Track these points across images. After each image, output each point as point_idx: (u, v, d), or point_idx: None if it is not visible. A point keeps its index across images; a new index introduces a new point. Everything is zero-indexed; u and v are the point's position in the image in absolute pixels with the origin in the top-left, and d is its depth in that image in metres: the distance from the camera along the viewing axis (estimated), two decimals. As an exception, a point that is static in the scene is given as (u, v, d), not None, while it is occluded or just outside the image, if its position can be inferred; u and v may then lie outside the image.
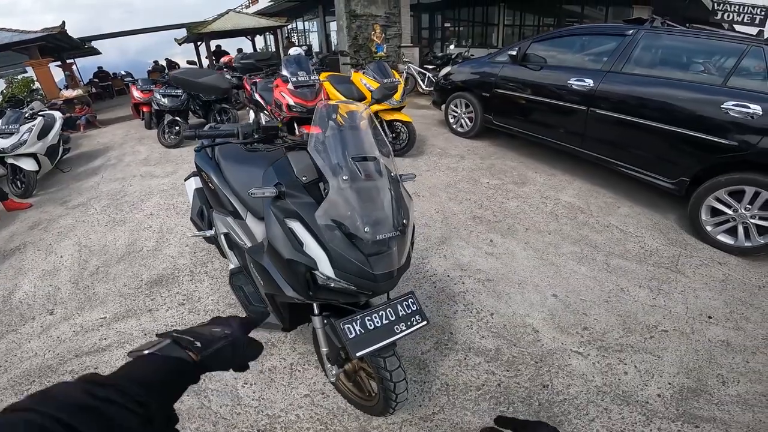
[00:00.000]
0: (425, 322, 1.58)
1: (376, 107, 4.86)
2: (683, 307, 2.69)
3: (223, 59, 11.79)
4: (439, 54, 10.55)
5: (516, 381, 2.17)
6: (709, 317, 2.61)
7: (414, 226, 1.69)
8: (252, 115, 5.92)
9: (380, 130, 1.63)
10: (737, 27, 9.63)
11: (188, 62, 10.69)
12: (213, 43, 14.57)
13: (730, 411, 2.01)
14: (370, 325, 1.48)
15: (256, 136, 1.71)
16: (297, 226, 1.42)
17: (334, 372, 1.77)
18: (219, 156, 2.26)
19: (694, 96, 3.42)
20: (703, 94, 3.39)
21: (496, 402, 2.06)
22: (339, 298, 1.51)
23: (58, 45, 12.50)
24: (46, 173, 5.68)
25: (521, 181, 4.61)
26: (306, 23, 22.95)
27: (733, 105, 3.14)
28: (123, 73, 10.69)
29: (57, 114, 6.36)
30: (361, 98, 5.10)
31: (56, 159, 5.84)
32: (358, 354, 1.42)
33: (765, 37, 3.73)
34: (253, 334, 0.80)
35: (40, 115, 5.72)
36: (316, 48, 20.53)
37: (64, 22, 11.15)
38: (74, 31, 13.33)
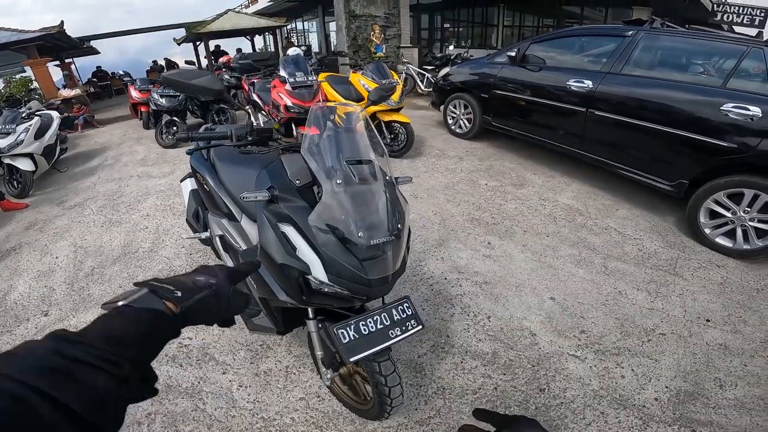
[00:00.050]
0: (420, 327, 1.57)
1: (374, 108, 4.85)
2: (681, 310, 2.68)
3: (222, 59, 11.81)
4: (439, 55, 10.54)
5: (513, 384, 2.16)
6: (707, 320, 2.60)
7: (410, 230, 1.67)
8: (250, 114, 5.92)
9: (375, 132, 1.61)
10: (737, 28, 9.64)
11: (186, 62, 10.70)
12: (212, 43, 14.55)
13: (728, 415, 2.00)
14: (365, 330, 1.46)
15: (249, 138, 1.69)
16: (290, 231, 1.41)
17: (329, 376, 1.76)
18: (214, 157, 2.25)
19: (694, 98, 3.41)
20: (702, 95, 3.38)
21: (493, 406, 2.04)
22: (333, 302, 1.49)
23: (57, 44, 12.49)
24: (43, 173, 5.65)
25: (520, 183, 4.60)
26: (305, 23, 22.93)
27: (732, 107, 3.12)
28: (121, 72, 10.71)
29: (54, 114, 6.34)
30: (359, 99, 5.08)
31: (53, 159, 5.82)
32: (351, 359, 1.40)
33: (765, 39, 3.71)
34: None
35: (37, 115, 5.70)
36: (315, 48, 20.51)
37: (62, 22, 11.14)
38: (74, 31, 13.33)
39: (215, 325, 0.73)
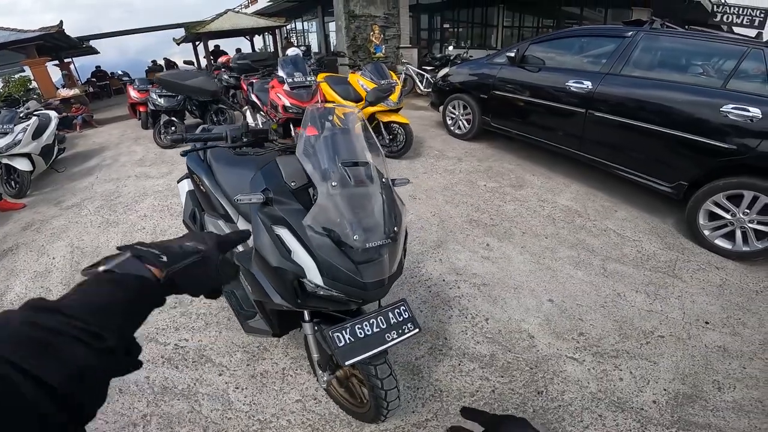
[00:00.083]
0: (417, 330, 1.55)
1: (373, 108, 4.84)
2: (680, 313, 2.67)
3: (221, 59, 11.79)
4: (438, 55, 10.52)
5: (510, 387, 2.15)
6: (706, 322, 2.59)
7: (407, 233, 1.66)
8: (248, 115, 5.90)
9: (372, 133, 1.60)
10: (736, 29, 9.64)
11: (185, 62, 10.69)
12: (211, 43, 14.54)
13: (726, 417, 2.00)
14: (360, 333, 1.45)
15: (245, 139, 1.67)
16: (285, 233, 1.39)
17: (325, 378, 1.75)
18: (211, 158, 2.23)
19: (693, 99, 3.40)
20: (702, 96, 3.37)
21: (490, 409, 2.03)
22: (328, 306, 1.48)
23: (56, 44, 12.48)
24: (41, 173, 5.64)
25: (519, 184, 4.59)
26: (305, 23, 22.90)
27: (732, 108, 3.11)
28: (120, 72, 10.69)
29: (52, 113, 6.32)
30: (358, 99, 5.07)
31: (51, 159, 5.81)
32: (347, 362, 1.39)
33: (765, 39, 3.70)
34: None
35: (35, 115, 5.69)
36: (315, 48, 20.50)
37: (61, 22, 11.13)
38: (74, 31, 13.33)
39: (201, 297, 0.70)
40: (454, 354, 2.34)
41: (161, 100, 6.83)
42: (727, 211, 3.22)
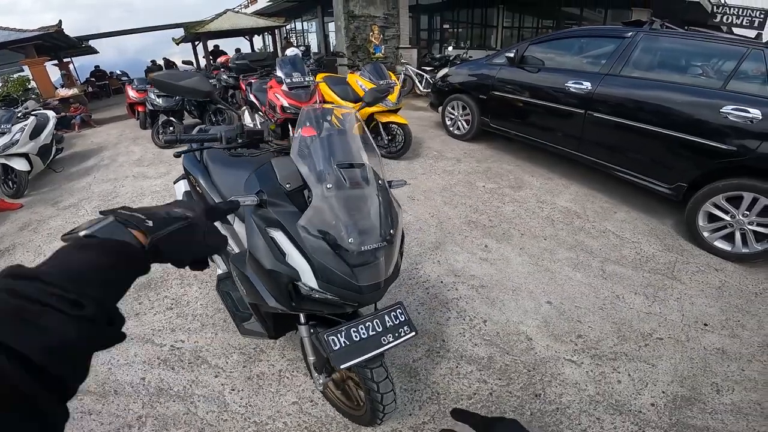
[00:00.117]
0: (414, 333, 1.54)
1: (371, 109, 4.83)
2: (679, 315, 2.66)
3: (220, 59, 11.76)
4: (437, 55, 10.52)
5: (508, 390, 2.13)
6: (705, 325, 2.58)
7: (403, 235, 1.65)
8: (247, 115, 5.89)
9: (368, 134, 1.58)
10: (736, 30, 9.64)
11: (184, 62, 10.66)
12: (211, 43, 14.53)
13: (724, 420, 1.99)
14: (356, 337, 1.43)
15: (240, 140, 1.66)
16: (279, 236, 1.38)
17: (321, 381, 1.73)
18: (207, 159, 2.22)
19: (693, 100, 3.39)
20: (701, 97, 3.36)
21: (488, 411, 2.02)
22: (323, 309, 1.46)
23: (55, 44, 12.47)
24: (38, 173, 5.62)
25: (517, 185, 4.58)
26: (305, 23, 22.88)
27: (732, 109, 3.10)
28: (119, 72, 10.68)
29: (50, 113, 6.30)
30: (356, 100, 5.06)
31: (48, 159, 5.78)
32: (342, 366, 1.38)
33: (765, 40, 3.69)
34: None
35: (32, 115, 5.67)
36: (314, 49, 20.48)
37: (60, 21, 11.12)
38: (74, 30, 13.33)
39: (187, 268, 0.67)
40: (451, 356, 2.33)
41: (159, 100, 6.82)
42: (726, 212, 3.21)
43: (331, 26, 16.44)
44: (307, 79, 4.58)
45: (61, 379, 0.39)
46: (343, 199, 1.36)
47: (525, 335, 2.48)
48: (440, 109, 6.43)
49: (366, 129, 1.61)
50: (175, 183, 2.89)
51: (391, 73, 5.53)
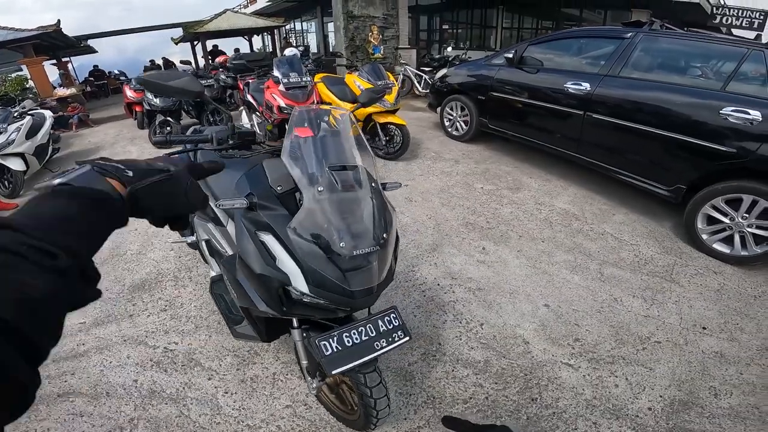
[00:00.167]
0: (407, 338, 1.52)
1: (369, 109, 4.81)
2: (677, 318, 2.64)
3: (219, 59, 11.73)
4: (437, 56, 10.50)
5: (504, 394, 2.11)
6: (703, 328, 2.56)
7: (398, 239, 1.62)
8: (244, 115, 5.87)
9: (362, 135, 1.56)
10: (735, 31, 9.64)
11: (181, 62, 10.64)
12: (210, 43, 14.51)
13: (722, 424, 1.97)
14: (348, 342, 1.41)
15: (231, 141, 1.63)
16: (269, 240, 1.35)
17: (314, 385, 1.71)
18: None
19: (693, 101, 3.37)
20: (701, 99, 3.33)
21: (484, 416, 1.99)
22: (315, 313, 1.44)
23: (53, 43, 12.45)
24: (34, 173, 5.58)
25: (516, 187, 4.56)
26: (304, 24, 22.86)
27: (732, 110, 3.08)
28: (116, 72, 10.65)
29: (47, 113, 6.28)
30: (354, 100, 5.04)
31: (45, 159, 5.76)
32: (333, 372, 1.35)
33: (765, 41, 3.67)
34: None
35: (29, 114, 5.65)
36: (314, 49, 20.46)
37: (59, 21, 11.11)
38: (72, 29, 13.33)
39: (167, 228, 0.65)
40: (447, 360, 2.31)
41: (157, 100, 6.80)
42: (725, 215, 3.19)
43: (331, 26, 16.41)
44: (304, 79, 4.55)
45: (32, 340, 0.35)
46: (334, 202, 1.33)
47: (522, 339, 2.46)
48: (439, 109, 6.41)
49: (360, 130, 1.58)
50: None
51: (389, 74, 5.51)
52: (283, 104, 4.36)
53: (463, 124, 5.98)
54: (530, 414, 2.01)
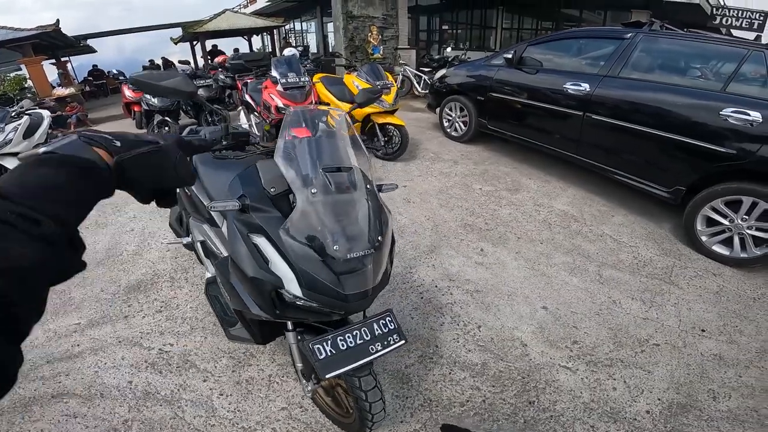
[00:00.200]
0: (403, 342, 1.50)
1: (368, 110, 4.80)
2: (676, 320, 2.62)
3: (218, 59, 11.73)
4: (436, 56, 10.49)
5: (501, 397, 2.09)
6: (702, 330, 2.54)
7: (393, 241, 1.61)
8: (243, 115, 5.85)
9: (357, 136, 1.54)
10: (735, 32, 9.63)
11: (180, 62, 10.63)
12: (209, 43, 14.49)
13: (720, 427, 1.96)
14: (343, 345, 1.39)
15: (224, 142, 1.60)
16: (262, 242, 1.33)
17: (309, 388, 1.70)
18: (197, 161, 2.17)
19: (692, 102, 3.35)
20: (701, 100, 3.32)
21: (481, 419, 1.98)
22: (309, 317, 1.42)
23: (53, 43, 12.45)
24: (33, 173, 5.55)
25: (514, 188, 4.54)
26: (304, 24, 22.84)
27: (732, 112, 3.06)
28: (115, 72, 10.63)
29: (45, 113, 6.24)
30: (353, 100, 5.02)
31: (43, 158, 5.73)
32: (327, 376, 1.34)
33: (765, 42, 3.66)
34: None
35: (27, 114, 5.62)
36: (313, 49, 20.45)
37: (58, 20, 11.11)
38: (72, 29, 13.34)
39: (153, 204, 0.64)
40: (444, 362, 2.29)
41: (155, 100, 6.77)
42: (725, 216, 3.17)
43: (330, 27, 16.38)
44: (302, 79, 4.54)
45: (15, 314, 0.34)
46: (328, 204, 1.31)
47: (520, 341, 2.44)
48: (438, 110, 6.39)
49: (355, 131, 1.56)
50: None
51: (388, 74, 5.49)
52: (280, 104, 4.35)
53: (462, 124, 5.97)
54: (527, 417, 1.99)
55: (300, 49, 11.85)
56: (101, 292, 2.95)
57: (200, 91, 7.45)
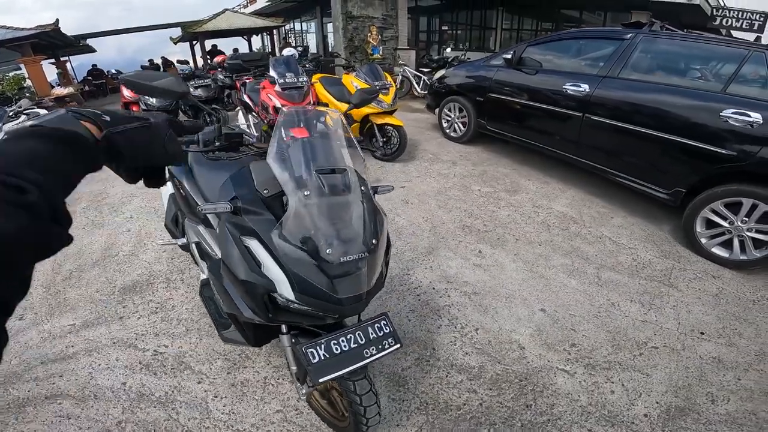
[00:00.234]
0: (398, 346, 1.48)
1: (367, 110, 4.78)
2: (675, 323, 2.60)
3: (217, 59, 11.70)
4: (436, 57, 10.46)
5: (498, 400, 2.08)
6: (701, 333, 2.53)
7: (389, 244, 1.59)
8: (241, 116, 5.83)
9: (352, 137, 1.52)
10: (735, 32, 9.62)
11: (179, 61, 10.61)
12: (209, 43, 14.48)
13: (718, 431, 1.94)
14: (336, 349, 1.37)
15: (218, 143, 1.58)
16: (254, 245, 1.31)
17: (303, 391, 1.67)
18: (192, 162, 2.16)
19: (692, 103, 3.33)
20: (701, 101, 3.30)
21: (477, 422, 1.96)
22: (302, 320, 1.40)
23: (52, 42, 12.45)
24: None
25: (513, 189, 4.52)
26: (303, 24, 22.83)
27: (732, 113, 3.05)
28: (114, 71, 10.62)
29: (43, 112, 6.23)
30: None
31: (41, 158, 5.72)
32: (320, 380, 1.31)
33: (766, 43, 3.64)
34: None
35: (25, 114, 5.62)
36: (313, 49, 20.43)
37: (57, 20, 11.10)
38: (72, 29, 13.36)
39: (141, 183, 0.64)
40: (441, 365, 2.27)
41: (153, 100, 6.75)
42: (724, 218, 3.15)
43: (330, 27, 16.37)
44: (300, 79, 4.51)
45: None
46: (321, 206, 1.29)
47: (517, 344, 2.42)
48: (437, 111, 6.38)
49: (350, 131, 1.54)
50: None
51: (387, 75, 5.47)
52: (278, 104, 4.32)
53: (461, 125, 5.95)
54: (524, 421, 1.98)
55: (300, 49, 11.81)
56: (96, 292, 2.93)
57: (199, 91, 7.43)
